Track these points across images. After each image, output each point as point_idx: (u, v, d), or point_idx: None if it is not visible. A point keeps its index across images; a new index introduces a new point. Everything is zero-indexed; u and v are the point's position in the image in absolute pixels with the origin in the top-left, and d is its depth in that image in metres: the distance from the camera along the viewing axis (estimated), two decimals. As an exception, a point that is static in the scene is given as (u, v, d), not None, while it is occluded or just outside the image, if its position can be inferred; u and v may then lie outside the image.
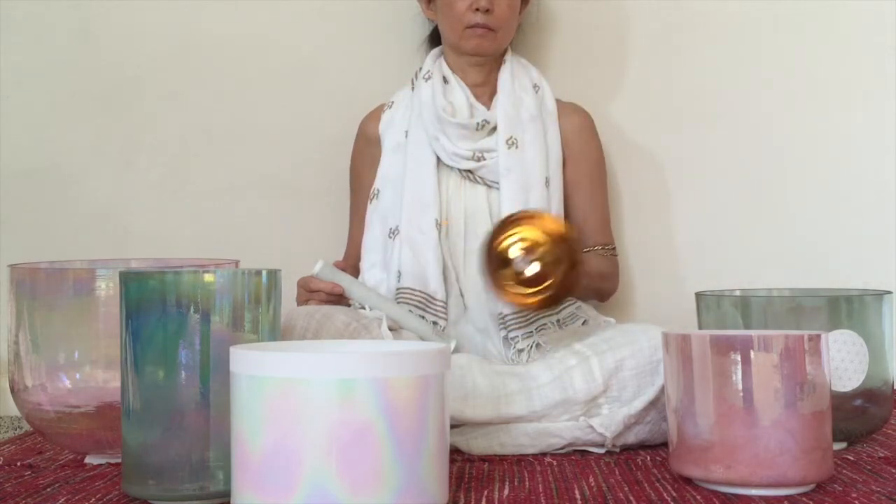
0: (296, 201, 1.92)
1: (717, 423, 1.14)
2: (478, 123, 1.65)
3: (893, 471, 1.25)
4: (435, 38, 1.80)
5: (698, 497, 1.14)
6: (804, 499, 1.12)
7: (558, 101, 1.73)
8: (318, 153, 1.91)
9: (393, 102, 1.75)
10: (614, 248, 1.77)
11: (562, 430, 1.38)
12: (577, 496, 1.15)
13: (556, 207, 1.66)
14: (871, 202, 1.87)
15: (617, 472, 1.27)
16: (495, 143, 1.65)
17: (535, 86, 1.72)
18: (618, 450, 1.40)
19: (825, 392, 1.15)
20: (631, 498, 1.14)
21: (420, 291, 1.59)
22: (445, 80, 1.71)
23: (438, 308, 1.59)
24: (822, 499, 1.12)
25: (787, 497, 1.12)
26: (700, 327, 1.44)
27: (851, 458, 1.32)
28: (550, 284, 1.36)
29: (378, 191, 1.70)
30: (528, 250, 1.37)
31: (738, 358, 1.13)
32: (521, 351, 1.55)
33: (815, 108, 1.89)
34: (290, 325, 1.47)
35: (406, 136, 1.69)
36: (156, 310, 1.11)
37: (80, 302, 1.30)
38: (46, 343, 1.31)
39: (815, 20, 1.90)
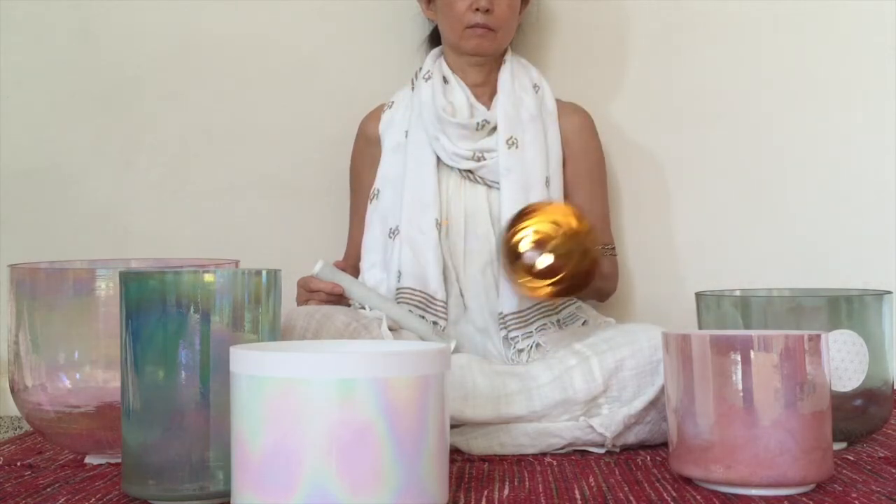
0: (296, 201, 1.92)
1: (717, 423, 1.14)
2: (478, 123, 1.65)
3: (893, 471, 1.25)
4: (435, 38, 1.80)
5: (698, 497, 1.14)
6: (804, 499, 1.12)
7: (558, 101, 1.73)
8: (318, 153, 1.91)
9: (393, 102, 1.75)
10: (614, 248, 1.77)
11: (562, 430, 1.38)
12: (577, 496, 1.15)
13: (556, 207, 1.66)
14: (871, 202, 1.87)
15: (617, 472, 1.27)
16: (495, 143, 1.65)
17: (535, 86, 1.72)
18: (618, 450, 1.40)
19: (825, 392, 1.15)
20: (631, 498, 1.14)
21: (420, 291, 1.59)
22: (445, 80, 1.71)
23: (438, 308, 1.59)
24: (822, 499, 1.12)
25: (787, 497, 1.12)
26: (700, 327, 1.44)
27: (851, 458, 1.32)
28: (564, 276, 1.36)
29: (378, 191, 1.70)
30: (540, 243, 1.37)
31: (738, 358, 1.13)
32: (521, 351, 1.55)
33: (815, 108, 1.89)
34: (290, 325, 1.46)
35: (406, 136, 1.69)
36: (156, 310, 1.11)
37: (80, 302, 1.30)
38: (46, 343, 1.31)
39: (815, 20, 1.90)
